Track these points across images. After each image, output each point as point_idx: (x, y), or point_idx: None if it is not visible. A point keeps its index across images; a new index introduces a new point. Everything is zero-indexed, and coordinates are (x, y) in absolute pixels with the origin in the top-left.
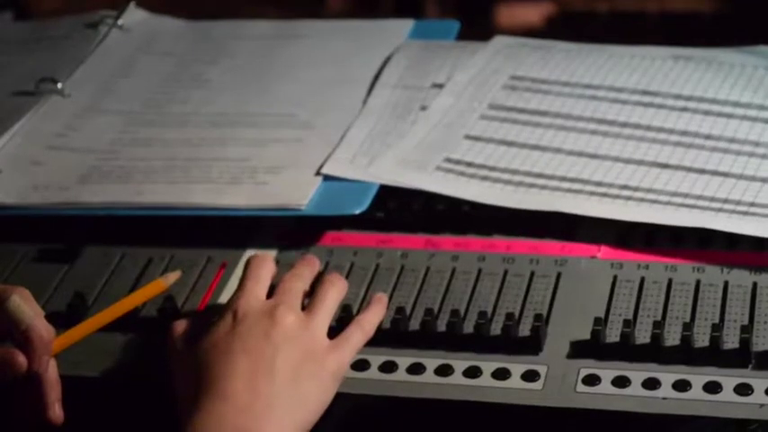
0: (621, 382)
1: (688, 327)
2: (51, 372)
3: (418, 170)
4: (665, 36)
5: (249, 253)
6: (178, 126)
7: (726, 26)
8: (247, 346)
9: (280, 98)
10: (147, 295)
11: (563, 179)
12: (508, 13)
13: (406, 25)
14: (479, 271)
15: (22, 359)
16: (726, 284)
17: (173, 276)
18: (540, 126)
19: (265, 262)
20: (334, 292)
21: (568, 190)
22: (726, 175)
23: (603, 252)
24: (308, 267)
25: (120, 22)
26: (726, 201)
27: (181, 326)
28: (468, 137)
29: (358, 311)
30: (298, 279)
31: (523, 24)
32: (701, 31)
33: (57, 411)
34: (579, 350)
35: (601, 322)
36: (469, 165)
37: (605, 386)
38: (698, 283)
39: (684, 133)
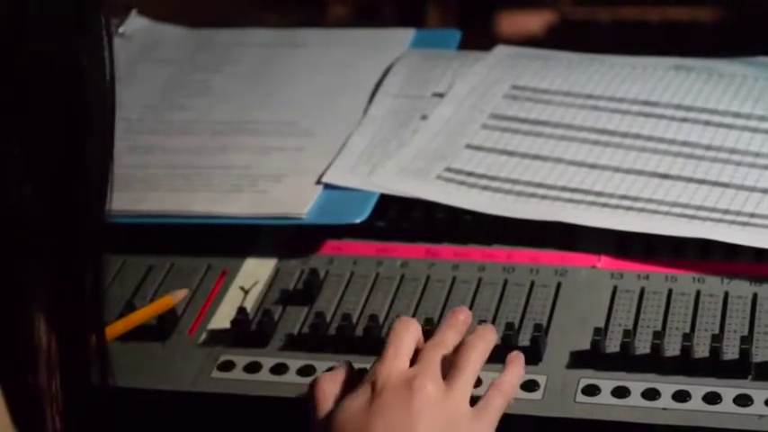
0: (621, 392)
1: (688, 337)
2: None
3: (419, 179)
4: (667, 44)
5: (250, 261)
6: (179, 134)
7: (727, 35)
8: (387, 420)
9: (281, 106)
10: (154, 312)
11: (563, 189)
12: (510, 21)
13: (407, 34)
14: (479, 280)
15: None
16: (726, 295)
17: (180, 294)
18: (541, 136)
19: (409, 329)
20: (477, 355)
21: (569, 200)
22: (726, 185)
23: (603, 262)
24: (450, 331)
25: (121, 29)
26: (726, 211)
27: (326, 389)
28: (468, 146)
29: (357, 322)
30: (439, 347)
31: (525, 33)
32: (702, 40)
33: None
34: (579, 360)
35: (601, 332)
36: (470, 174)
37: (605, 396)
38: (698, 293)
39: (685, 144)
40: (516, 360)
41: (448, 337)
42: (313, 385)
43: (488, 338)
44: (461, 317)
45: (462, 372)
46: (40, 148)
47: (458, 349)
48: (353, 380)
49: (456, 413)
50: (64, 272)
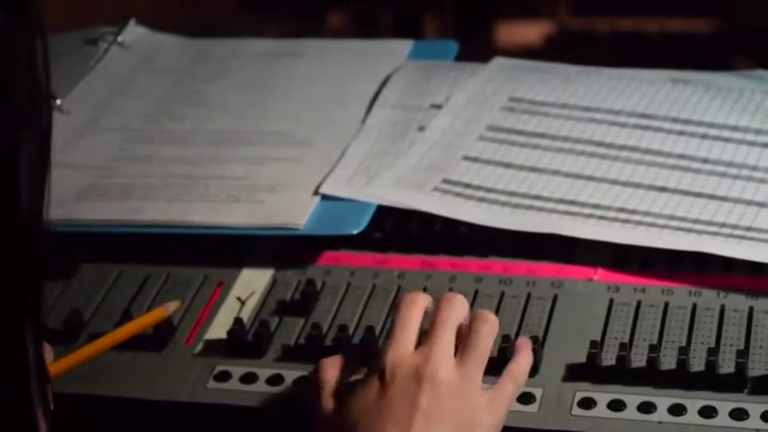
0: (617, 405)
1: (684, 351)
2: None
3: (416, 191)
4: (665, 55)
5: (246, 272)
6: (177, 144)
7: (724, 46)
8: (398, 418)
9: (278, 117)
10: (146, 323)
11: (560, 201)
12: (507, 32)
13: (405, 45)
14: (476, 292)
15: None
16: (722, 309)
17: (173, 306)
18: (538, 148)
19: (413, 305)
20: (487, 334)
21: (565, 212)
22: (723, 199)
23: (600, 275)
24: (456, 310)
25: (119, 38)
26: (723, 225)
27: (329, 375)
28: (466, 158)
29: (354, 332)
30: (447, 326)
31: (522, 43)
32: (699, 51)
33: None
34: (575, 373)
35: (597, 345)
36: (467, 186)
37: (601, 409)
38: (694, 306)
39: (682, 157)
40: (524, 345)
41: (452, 317)
42: (316, 370)
43: (494, 319)
44: (462, 300)
45: (475, 350)
46: None
47: (466, 327)
48: (355, 364)
49: (468, 402)
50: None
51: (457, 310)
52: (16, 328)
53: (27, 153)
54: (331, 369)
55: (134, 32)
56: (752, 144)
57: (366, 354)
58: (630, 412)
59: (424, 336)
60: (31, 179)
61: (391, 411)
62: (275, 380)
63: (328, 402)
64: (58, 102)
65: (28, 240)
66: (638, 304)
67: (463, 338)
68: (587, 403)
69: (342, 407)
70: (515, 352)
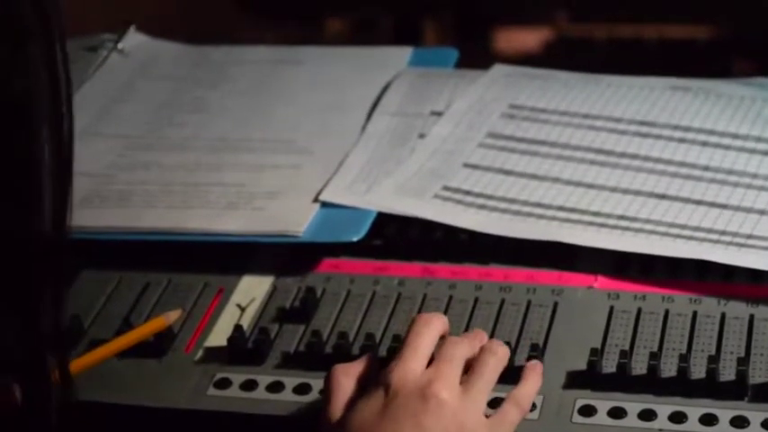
0: (617, 413)
1: (684, 358)
2: None
3: (416, 198)
4: (664, 63)
5: (246, 279)
6: (176, 150)
7: (724, 53)
8: (398, 429)
9: (278, 124)
10: (147, 332)
11: (560, 209)
12: (506, 38)
13: (405, 53)
14: (476, 300)
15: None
16: (723, 316)
17: (174, 314)
18: (538, 155)
19: (429, 327)
20: (495, 363)
21: (566, 219)
22: (723, 206)
23: (600, 282)
24: (474, 339)
25: (119, 45)
26: (723, 232)
27: (340, 383)
28: (466, 165)
29: (354, 340)
30: (460, 345)
31: (522, 50)
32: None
33: None
34: (575, 380)
35: (597, 353)
36: (467, 193)
37: (601, 417)
38: (695, 314)
39: (682, 164)
40: (533, 371)
41: (466, 341)
42: (329, 376)
43: (504, 350)
44: (482, 334)
45: (480, 378)
46: None
47: (475, 356)
48: (370, 375)
49: (469, 424)
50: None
51: (471, 342)
52: (40, 335)
53: (49, 160)
54: (343, 377)
55: (134, 39)
56: (752, 152)
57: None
58: (631, 420)
59: (434, 358)
60: (54, 186)
61: (393, 425)
62: (275, 387)
63: (335, 411)
64: None
65: (52, 248)
66: (639, 312)
67: (471, 367)
68: (588, 411)
69: (343, 418)
70: (523, 375)
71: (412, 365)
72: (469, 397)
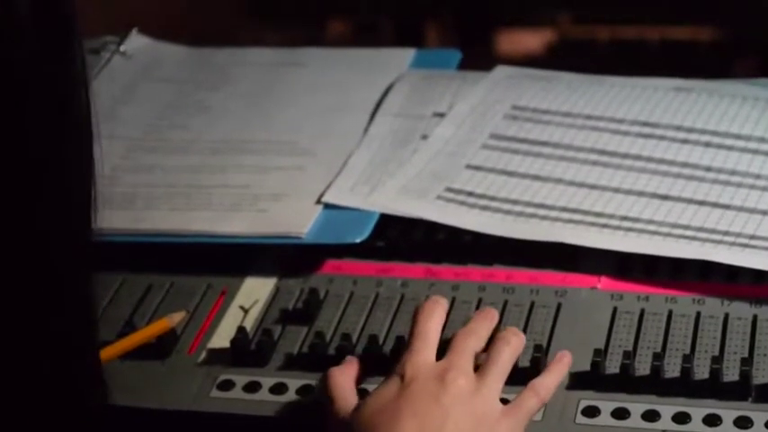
0: (621, 413)
1: (688, 359)
2: None
3: (419, 199)
4: (666, 64)
5: (249, 281)
6: (180, 153)
7: (726, 54)
8: (416, 410)
9: (281, 125)
10: (151, 334)
11: (563, 210)
12: (509, 40)
13: (407, 54)
14: (479, 301)
15: None
16: (726, 317)
17: (177, 316)
18: (541, 156)
19: (433, 313)
20: (509, 352)
21: (569, 221)
22: (726, 207)
23: (603, 283)
24: (484, 323)
25: (122, 48)
26: (726, 233)
27: (340, 380)
28: (469, 166)
29: (357, 342)
30: (472, 337)
31: (524, 52)
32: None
33: None
34: (579, 381)
35: (600, 353)
36: (470, 194)
37: (605, 418)
38: (698, 314)
39: (685, 165)
40: (560, 362)
41: (480, 330)
42: (326, 380)
43: (519, 338)
44: (494, 314)
45: (495, 365)
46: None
47: (490, 343)
48: (364, 374)
49: (486, 409)
50: (47, 293)
51: (483, 325)
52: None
53: (74, 161)
54: (341, 376)
55: (136, 42)
56: (755, 152)
57: (371, 363)
58: (635, 420)
59: (447, 347)
60: (77, 186)
61: (410, 405)
62: (278, 389)
63: (345, 406)
64: None
65: (78, 250)
66: (642, 312)
67: (486, 357)
68: (591, 412)
69: (358, 408)
70: (547, 366)
71: (424, 354)
72: (485, 384)
